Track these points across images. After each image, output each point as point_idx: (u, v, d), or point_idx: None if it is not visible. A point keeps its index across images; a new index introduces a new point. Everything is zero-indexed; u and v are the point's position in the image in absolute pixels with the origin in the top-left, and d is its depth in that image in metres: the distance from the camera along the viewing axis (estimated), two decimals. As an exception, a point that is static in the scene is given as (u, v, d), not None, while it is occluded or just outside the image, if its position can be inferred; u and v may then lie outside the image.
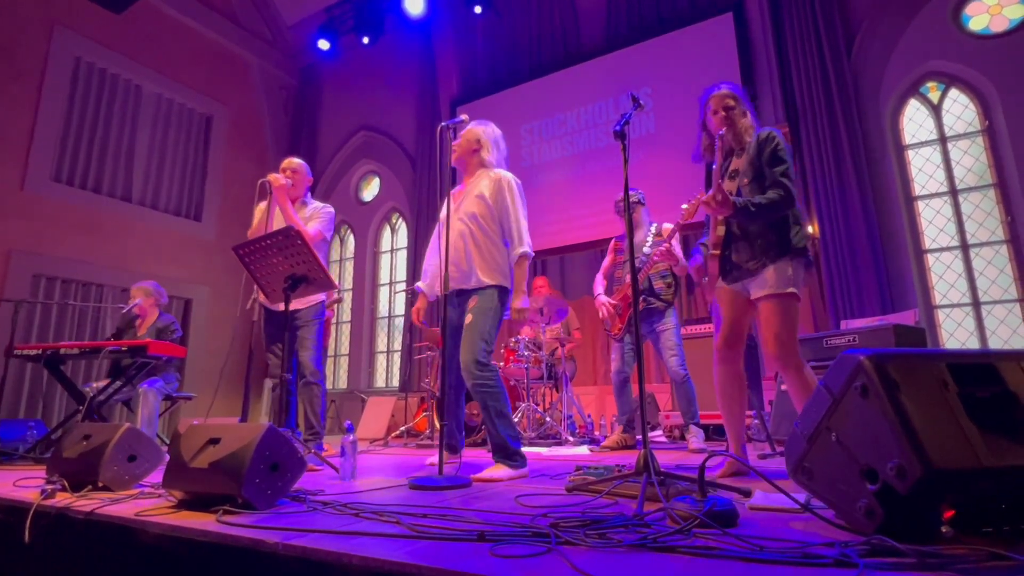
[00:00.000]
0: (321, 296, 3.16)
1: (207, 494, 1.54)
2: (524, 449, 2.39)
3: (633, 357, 3.64)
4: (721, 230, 2.15)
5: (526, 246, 2.50)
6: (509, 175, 2.57)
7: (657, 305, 3.59)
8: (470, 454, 2.68)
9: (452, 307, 2.56)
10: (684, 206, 2.48)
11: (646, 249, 3.65)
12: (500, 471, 2.16)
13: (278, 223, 3.04)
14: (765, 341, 2.03)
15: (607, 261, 3.93)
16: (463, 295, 2.49)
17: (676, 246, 3.51)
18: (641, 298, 3.58)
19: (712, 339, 4.29)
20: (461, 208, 2.56)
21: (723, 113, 2.17)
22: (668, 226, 3.76)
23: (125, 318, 4.11)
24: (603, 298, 3.74)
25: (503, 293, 2.46)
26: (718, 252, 2.17)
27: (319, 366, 3.08)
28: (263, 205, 3.06)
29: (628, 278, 3.67)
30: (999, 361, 1.14)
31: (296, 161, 3.26)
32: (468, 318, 2.38)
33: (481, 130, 2.67)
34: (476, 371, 2.28)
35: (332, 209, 3.29)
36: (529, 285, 6.35)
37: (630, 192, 3.74)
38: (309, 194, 3.33)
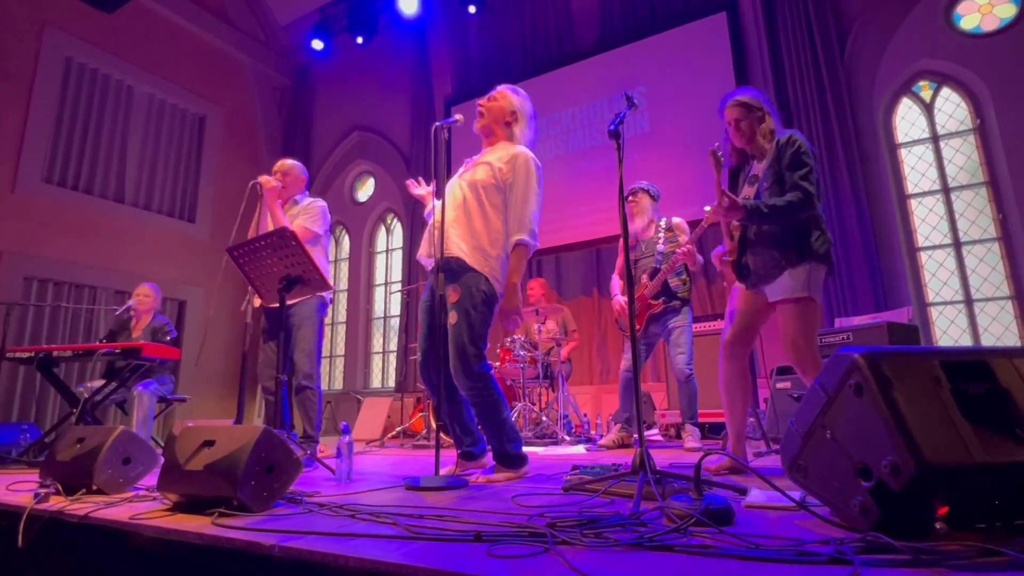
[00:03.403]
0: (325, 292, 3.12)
1: (202, 497, 1.54)
2: (524, 451, 2.28)
3: (646, 356, 3.66)
4: (736, 235, 2.15)
5: (528, 234, 2.15)
6: (531, 154, 2.27)
7: (674, 304, 3.59)
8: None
9: (432, 281, 2.29)
10: (707, 208, 2.46)
11: (660, 247, 3.63)
12: (499, 475, 2.13)
13: (270, 225, 3.04)
14: (783, 345, 2.03)
15: (620, 260, 3.92)
16: (444, 272, 2.20)
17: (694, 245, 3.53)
18: (660, 299, 3.58)
19: (717, 338, 4.31)
20: (465, 175, 2.31)
21: (733, 126, 2.17)
22: (677, 220, 3.75)
23: (119, 320, 4.09)
24: (619, 298, 3.73)
25: (490, 284, 2.16)
26: (733, 258, 2.16)
27: (314, 369, 3.05)
28: (256, 213, 3.07)
29: (643, 278, 3.65)
30: (992, 358, 1.15)
31: (288, 162, 3.24)
32: (452, 317, 2.12)
33: (518, 101, 2.37)
34: (469, 381, 2.09)
35: (322, 203, 3.26)
36: (523, 288, 6.36)
37: (643, 185, 3.77)
38: (306, 192, 3.32)
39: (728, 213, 1.98)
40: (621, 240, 3.89)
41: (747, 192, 2.10)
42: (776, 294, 2.04)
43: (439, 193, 2.35)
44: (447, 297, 2.16)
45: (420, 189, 2.61)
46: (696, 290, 5.56)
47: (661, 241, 3.63)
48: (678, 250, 3.45)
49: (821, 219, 2.06)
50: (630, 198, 3.76)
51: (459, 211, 2.24)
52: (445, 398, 2.23)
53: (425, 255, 2.32)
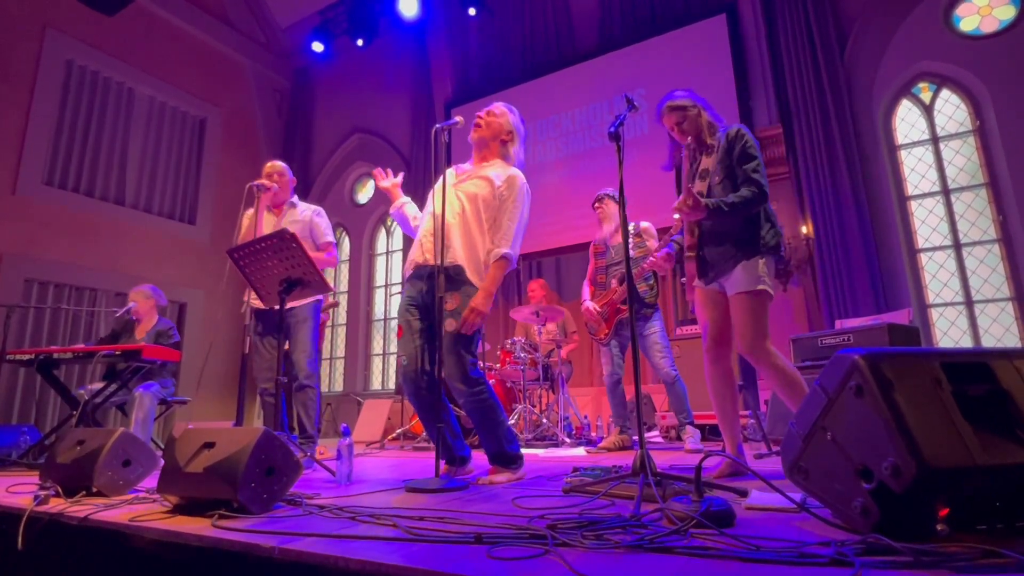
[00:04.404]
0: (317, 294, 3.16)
1: (202, 499, 1.53)
2: (521, 451, 2.31)
3: (621, 358, 3.66)
4: (695, 233, 2.18)
5: (511, 250, 2.20)
6: (525, 179, 2.35)
7: (644, 311, 3.60)
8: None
9: (415, 288, 2.25)
10: (676, 216, 2.47)
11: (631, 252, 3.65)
12: (500, 476, 2.14)
13: (267, 228, 3.05)
14: (735, 335, 2.07)
15: (591, 267, 3.95)
16: (431, 276, 2.20)
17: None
18: (625, 306, 3.59)
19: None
20: (461, 185, 2.31)
21: (676, 130, 2.21)
22: (646, 224, 3.78)
23: (121, 321, 4.09)
24: (589, 304, 3.75)
25: None
26: (693, 254, 2.19)
27: (314, 368, 3.07)
28: (250, 212, 3.06)
29: (613, 282, 3.70)
30: (992, 359, 1.15)
31: (280, 165, 3.26)
32: (450, 324, 2.12)
33: (516, 122, 2.43)
34: (467, 387, 2.11)
35: (323, 210, 3.35)
36: (523, 288, 6.40)
37: (609, 192, 3.81)
38: (295, 195, 3.34)
39: (692, 213, 2.01)
40: (593, 246, 3.92)
41: (699, 187, 2.13)
42: (733, 288, 2.08)
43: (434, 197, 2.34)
44: (445, 304, 2.14)
45: (386, 181, 2.57)
46: (689, 292, 5.55)
47: (631, 246, 3.66)
48: (647, 259, 3.46)
49: (771, 212, 2.11)
50: (597, 204, 3.87)
51: (458, 220, 2.24)
52: (440, 403, 2.19)
53: (421, 261, 2.27)
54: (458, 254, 2.20)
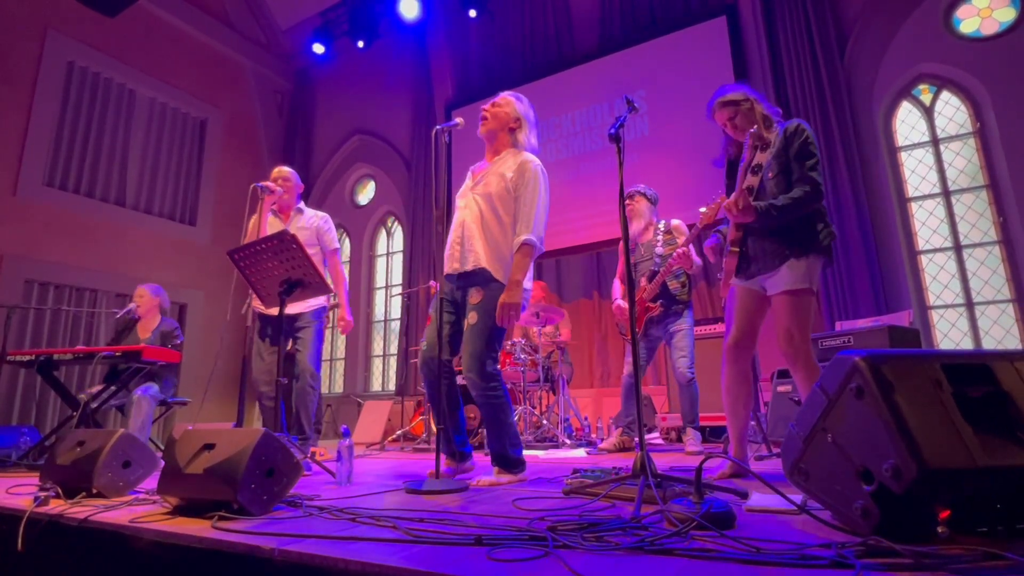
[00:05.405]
0: (323, 301, 3.19)
1: (202, 500, 1.53)
2: (524, 455, 2.31)
3: (648, 359, 3.65)
4: (742, 227, 2.12)
5: (533, 235, 2.20)
6: (538, 161, 2.33)
7: (675, 308, 3.59)
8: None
9: (447, 285, 2.33)
10: (702, 209, 2.44)
11: (659, 249, 3.63)
12: (501, 477, 2.14)
13: (272, 229, 3.07)
14: (778, 336, 2.02)
15: (620, 264, 3.93)
16: (461, 279, 2.28)
17: (691, 248, 3.49)
18: (659, 302, 3.58)
19: (717, 340, 4.32)
20: (479, 186, 2.34)
21: (728, 126, 2.17)
22: (676, 222, 3.75)
23: (122, 322, 4.09)
24: (620, 302, 3.74)
25: None
26: (737, 250, 2.13)
27: (317, 368, 3.10)
28: (256, 217, 3.11)
29: (642, 281, 3.66)
30: (993, 361, 1.15)
31: (287, 170, 3.31)
32: (472, 317, 2.16)
33: (522, 108, 2.42)
34: (482, 381, 2.13)
35: (329, 217, 3.41)
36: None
37: (640, 188, 3.79)
38: (301, 201, 3.37)
39: (741, 215, 1.96)
40: (621, 243, 3.91)
41: (751, 181, 2.06)
42: (776, 287, 2.03)
43: (439, 201, 2.39)
44: (469, 298, 2.22)
45: None
46: (697, 292, 5.56)
47: (659, 244, 3.63)
48: (674, 253, 3.44)
49: (824, 210, 2.06)
50: (627, 201, 3.78)
51: (477, 224, 2.28)
52: (448, 399, 2.25)
53: (450, 270, 2.34)
54: (481, 257, 2.24)
